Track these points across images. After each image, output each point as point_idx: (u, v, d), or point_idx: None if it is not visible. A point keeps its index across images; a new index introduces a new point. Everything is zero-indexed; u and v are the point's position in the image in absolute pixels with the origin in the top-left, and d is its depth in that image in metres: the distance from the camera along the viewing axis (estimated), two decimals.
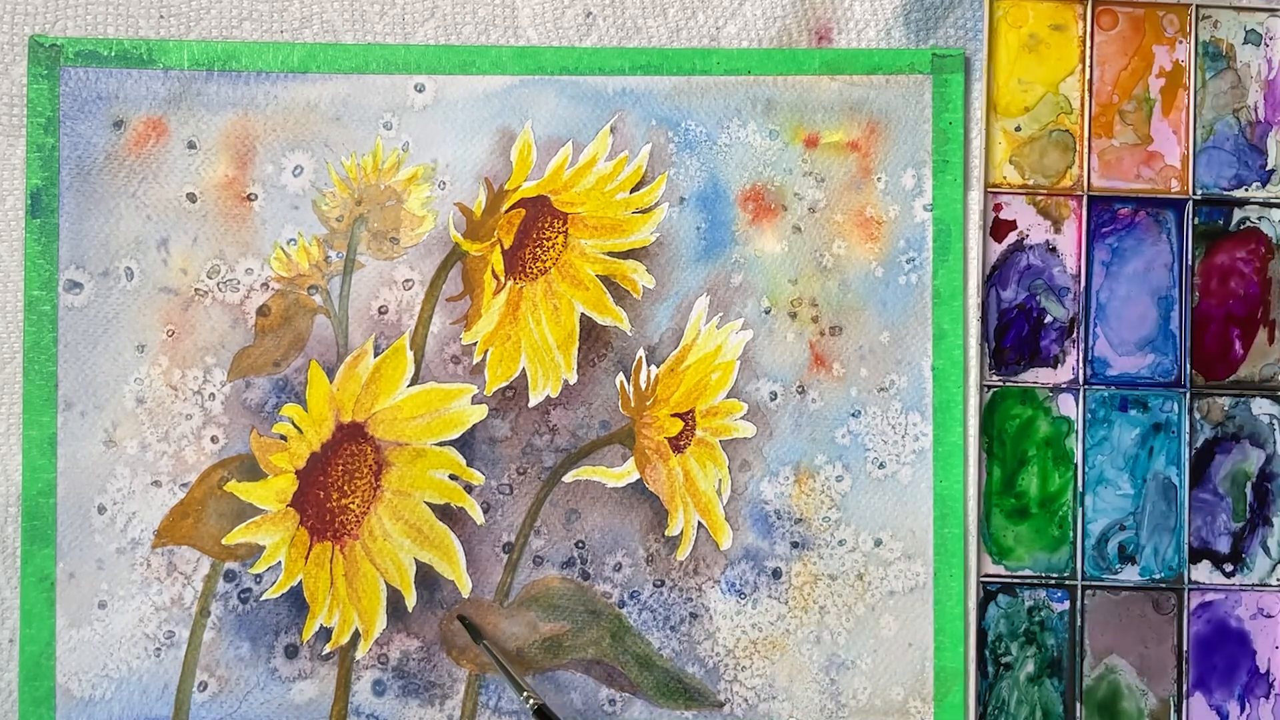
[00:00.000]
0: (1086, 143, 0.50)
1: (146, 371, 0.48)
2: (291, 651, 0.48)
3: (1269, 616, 0.49)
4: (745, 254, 0.49)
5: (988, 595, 0.49)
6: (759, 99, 0.50)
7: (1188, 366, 0.50)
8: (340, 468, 0.48)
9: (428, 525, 0.48)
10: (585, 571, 0.49)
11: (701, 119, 0.50)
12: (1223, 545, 0.49)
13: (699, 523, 0.49)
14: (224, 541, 0.48)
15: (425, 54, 0.49)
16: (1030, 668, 0.49)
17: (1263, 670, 0.49)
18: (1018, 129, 0.50)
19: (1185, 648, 0.49)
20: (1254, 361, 0.50)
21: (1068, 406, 0.50)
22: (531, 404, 0.49)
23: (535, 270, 0.49)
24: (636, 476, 0.49)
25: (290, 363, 0.49)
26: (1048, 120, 0.50)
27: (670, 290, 0.49)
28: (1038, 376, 0.50)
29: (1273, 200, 0.50)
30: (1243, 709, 0.49)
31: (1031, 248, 0.50)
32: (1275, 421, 0.50)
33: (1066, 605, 0.49)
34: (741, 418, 0.49)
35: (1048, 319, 0.50)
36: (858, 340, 0.49)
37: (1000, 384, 0.50)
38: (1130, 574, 0.49)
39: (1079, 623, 0.49)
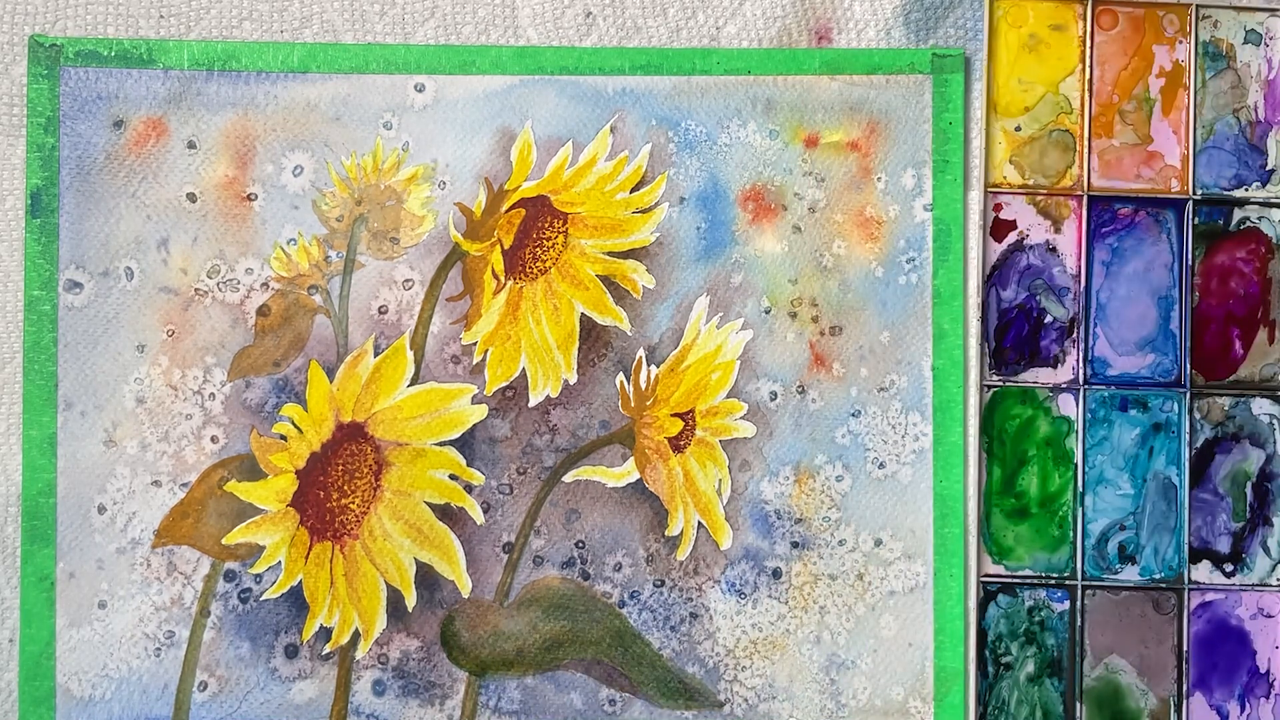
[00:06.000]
0: (1086, 143, 0.50)
1: (146, 371, 0.48)
2: (291, 651, 0.48)
3: (1269, 616, 0.49)
4: (745, 254, 0.49)
5: (988, 595, 0.49)
6: (759, 99, 0.50)
7: (1188, 366, 0.50)
8: (340, 468, 0.48)
9: (428, 525, 0.48)
10: (585, 571, 0.49)
11: (701, 119, 0.50)
12: (1223, 545, 0.49)
13: (699, 523, 0.49)
14: (224, 541, 0.48)
15: (425, 54, 0.49)
16: (1030, 668, 0.49)
17: (1263, 670, 0.49)
18: (1018, 129, 0.50)
19: (1185, 648, 0.49)
20: (1254, 361, 0.50)
21: (1068, 406, 0.50)
22: (531, 404, 0.49)
23: (535, 270, 0.49)
24: (636, 476, 0.49)
25: (290, 363, 0.49)
26: (1048, 120, 0.50)
27: (670, 290, 0.49)
28: (1038, 376, 0.50)
29: (1273, 200, 0.50)
30: (1243, 709, 0.49)
31: (1031, 248, 0.50)
32: (1275, 421, 0.50)
33: (1066, 605, 0.49)
34: (741, 418, 0.49)
35: (1048, 319, 0.50)
36: (858, 340, 0.49)
37: (1000, 384, 0.50)
38: (1130, 574, 0.49)
39: (1079, 623, 0.49)
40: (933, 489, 0.49)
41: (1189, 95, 0.50)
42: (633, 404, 0.49)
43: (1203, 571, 0.49)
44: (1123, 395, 0.50)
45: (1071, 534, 0.49)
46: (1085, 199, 0.50)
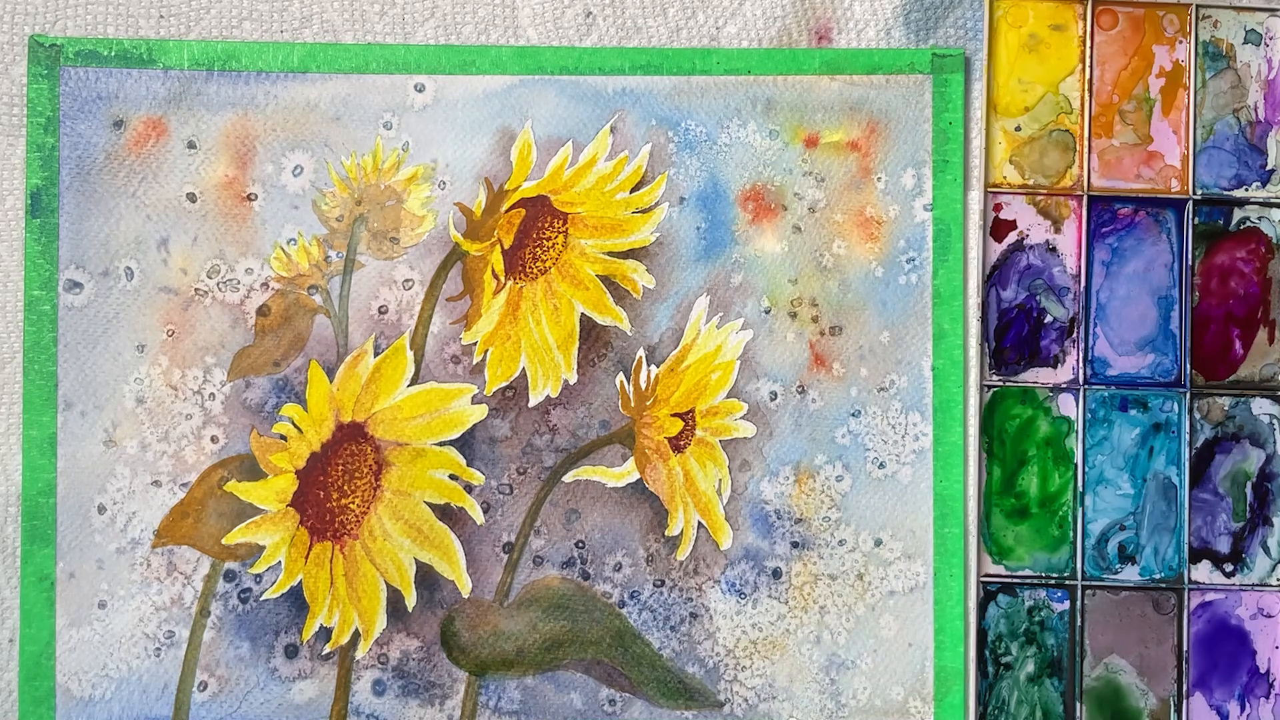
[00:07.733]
0: (1086, 143, 0.50)
1: (146, 371, 0.48)
2: (291, 651, 0.48)
3: (1269, 616, 0.49)
4: (745, 254, 0.49)
5: (988, 595, 0.49)
6: (759, 99, 0.50)
7: (1188, 366, 0.50)
8: (340, 467, 0.48)
9: (428, 525, 0.48)
10: (585, 571, 0.49)
11: (701, 119, 0.50)
12: (1223, 545, 0.49)
13: (699, 523, 0.49)
14: (224, 541, 0.48)
15: (425, 54, 0.49)
16: (1030, 668, 0.49)
17: (1263, 670, 0.49)
18: (1018, 129, 0.50)
19: (1185, 648, 0.49)
20: (1254, 361, 0.50)
21: (1068, 406, 0.50)
22: (531, 404, 0.49)
23: (535, 270, 0.49)
24: (636, 476, 0.49)
25: (290, 362, 0.49)
26: (1048, 120, 0.50)
27: (670, 290, 0.49)
28: (1038, 376, 0.50)
29: (1273, 200, 0.50)
30: (1243, 709, 0.49)
31: (1031, 247, 0.50)
32: (1275, 421, 0.50)
33: (1066, 605, 0.49)
34: (741, 418, 0.49)
35: (1048, 319, 0.50)
36: (858, 340, 0.49)
37: (1000, 384, 0.50)
38: (1130, 574, 0.49)
39: (1079, 623, 0.49)
40: (933, 489, 0.49)
41: (1189, 95, 0.50)
42: (633, 404, 0.49)
43: (1203, 571, 0.49)
44: (1123, 395, 0.50)
45: (1071, 534, 0.49)
46: (1085, 199, 0.50)
